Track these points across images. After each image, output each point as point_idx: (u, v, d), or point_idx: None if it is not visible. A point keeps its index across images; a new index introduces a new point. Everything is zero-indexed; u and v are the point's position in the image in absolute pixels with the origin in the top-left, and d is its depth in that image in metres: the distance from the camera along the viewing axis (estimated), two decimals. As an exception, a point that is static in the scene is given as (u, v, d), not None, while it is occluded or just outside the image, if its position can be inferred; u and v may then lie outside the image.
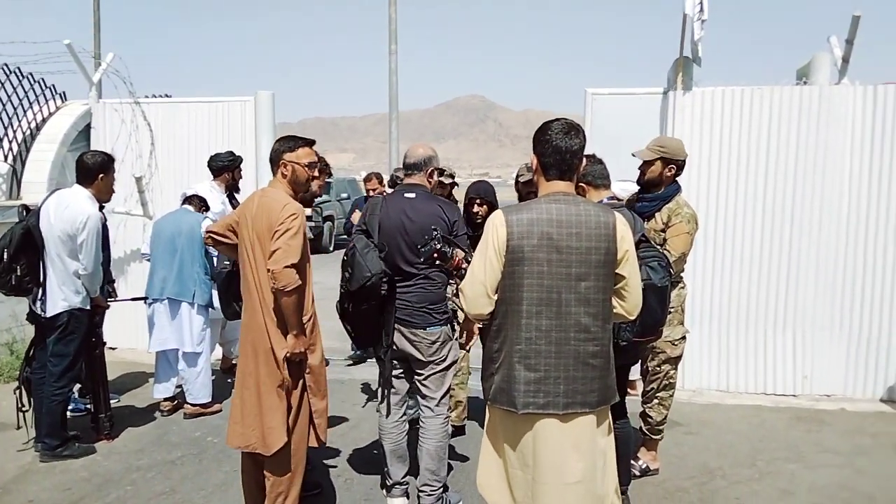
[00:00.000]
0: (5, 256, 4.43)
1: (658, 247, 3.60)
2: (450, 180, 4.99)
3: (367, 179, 6.73)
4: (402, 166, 3.96)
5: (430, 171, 3.77)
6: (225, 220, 3.69)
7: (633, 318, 2.64)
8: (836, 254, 5.90)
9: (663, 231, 4.02)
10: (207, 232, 3.68)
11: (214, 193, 5.99)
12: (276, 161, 3.46)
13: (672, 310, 3.89)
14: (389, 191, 4.62)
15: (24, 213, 4.65)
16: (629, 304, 2.57)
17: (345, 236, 6.53)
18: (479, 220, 4.58)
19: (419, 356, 3.66)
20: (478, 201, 4.70)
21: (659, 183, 4.08)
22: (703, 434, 5.11)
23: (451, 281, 3.13)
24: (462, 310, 3.95)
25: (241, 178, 6.23)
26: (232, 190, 6.19)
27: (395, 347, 3.68)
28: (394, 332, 3.63)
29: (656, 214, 4.06)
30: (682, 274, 4.14)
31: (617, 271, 2.51)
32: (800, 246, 5.93)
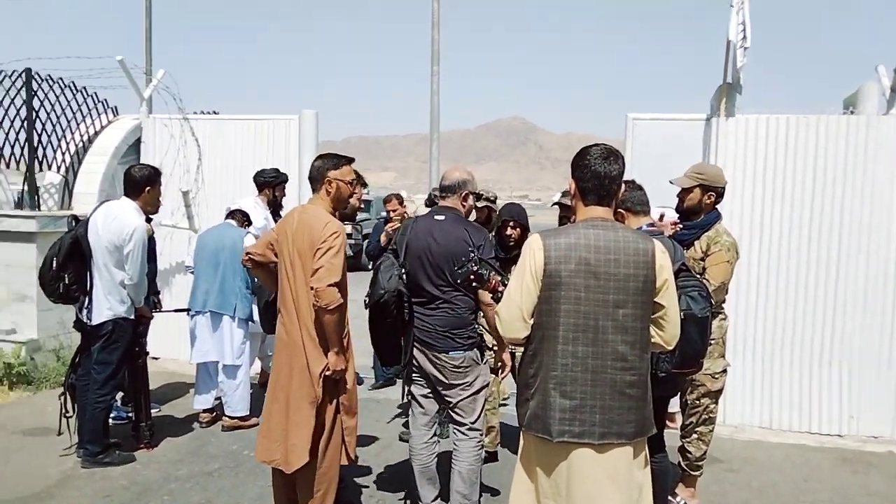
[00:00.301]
0: (54, 265, 4.57)
1: (698, 276, 3.54)
2: (485, 204, 4.99)
3: (386, 200, 6.62)
4: (438, 187, 4.00)
5: (464, 194, 3.78)
6: (263, 238, 3.74)
7: (671, 348, 2.59)
8: (885, 286, 5.72)
9: (702, 260, 3.94)
10: (246, 253, 3.73)
11: (258, 209, 6.09)
12: (319, 178, 3.51)
13: (713, 341, 3.80)
14: (422, 211, 4.64)
15: (74, 223, 4.79)
16: (667, 333, 2.53)
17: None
18: (511, 243, 4.57)
19: (444, 380, 3.65)
20: (511, 224, 4.68)
21: (698, 211, 4.02)
22: (745, 472, 4.97)
23: (493, 296, 3.08)
24: (489, 332, 3.95)
25: (284, 195, 6.32)
26: (275, 207, 6.28)
27: (417, 366, 3.69)
28: (413, 351, 3.64)
29: (695, 242, 3.99)
30: (722, 304, 4.05)
31: (656, 300, 2.47)
32: (846, 278, 5.77)
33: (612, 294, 2.42)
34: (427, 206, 5.94)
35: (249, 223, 5.79)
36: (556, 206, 4.90)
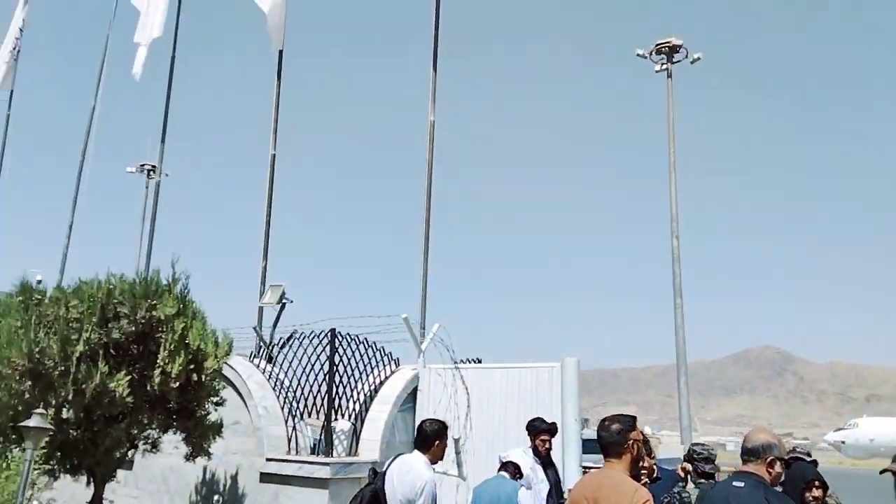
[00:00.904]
0: (355, 516, 4.91)
1: None
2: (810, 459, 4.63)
3: None
4: (700, 446, 3.82)
5: (769, 459, 3.54)
6: None
7: None
8: None
9: None
10: None
11: (525, 458, 6.16)
12: (622, 442, 3.48)
13: None
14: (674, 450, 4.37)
15: (373, 476, 5.20)
16: None
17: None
18: None
19: None
20: (815, 484, 4.22)
21: None
22: None
23: None
24: None
25: (551, 447, 6.34)
26: (543, 455, 6.31)
27: None
28: None
29: None
30: None
31: None
32: None
33: None
34: (686, 461, 5.64)
35: (521, 475, 5.86)
36: (888, 472, 4.31)
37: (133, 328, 5.71)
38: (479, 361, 9.11)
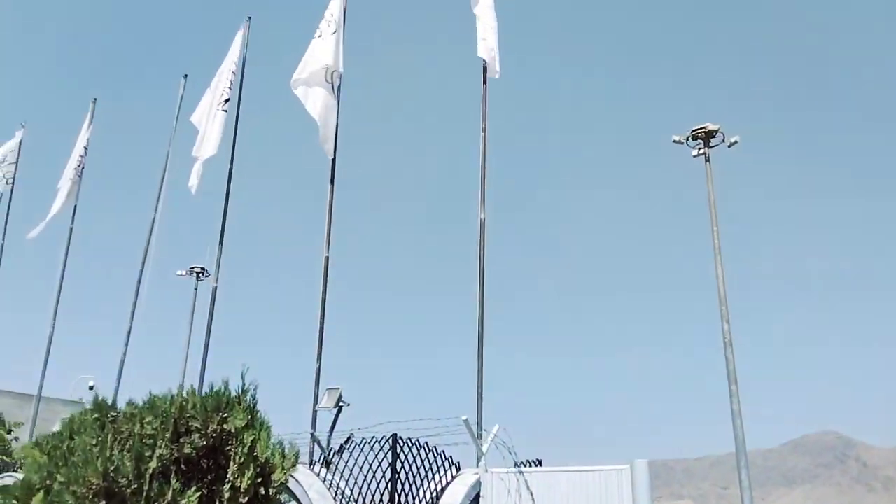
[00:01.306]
0: None
1: None
2: None
3: None
4: None
5: None
6: None
7: None
8: None
9: None
10: None
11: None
12: None
13: None
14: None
15: None
16: None
17: None
18: None
19: None
20: None
21: None
22: None
23: None
24: None
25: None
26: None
27: None
28: None
29: None
30: None
31: None
32: None
33: None
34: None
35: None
36: None
37: (204, 442, 5.72)
38: (540, 463, 8.87)
